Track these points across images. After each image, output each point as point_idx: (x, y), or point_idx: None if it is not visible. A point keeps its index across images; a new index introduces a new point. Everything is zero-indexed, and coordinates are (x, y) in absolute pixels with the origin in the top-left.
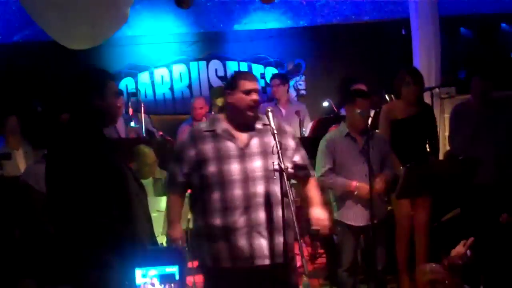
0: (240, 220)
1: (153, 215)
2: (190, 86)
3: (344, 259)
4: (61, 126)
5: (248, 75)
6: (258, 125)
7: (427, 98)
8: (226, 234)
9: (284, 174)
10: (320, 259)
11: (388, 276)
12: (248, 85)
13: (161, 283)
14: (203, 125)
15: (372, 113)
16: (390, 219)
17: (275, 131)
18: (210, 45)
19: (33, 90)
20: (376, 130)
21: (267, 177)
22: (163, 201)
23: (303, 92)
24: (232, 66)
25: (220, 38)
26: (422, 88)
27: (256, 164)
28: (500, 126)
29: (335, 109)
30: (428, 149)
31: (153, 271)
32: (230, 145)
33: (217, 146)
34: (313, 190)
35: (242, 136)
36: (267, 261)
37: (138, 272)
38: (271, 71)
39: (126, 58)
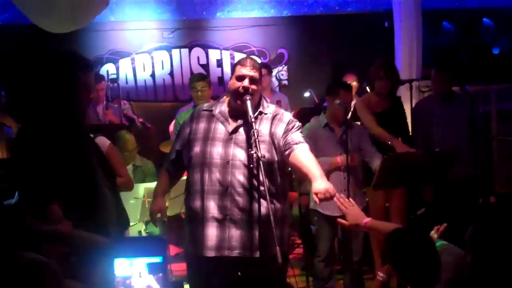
0: (213, 205)
1: (131, 202)
2: (171, 74)
3: (320, 249)
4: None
5: (245, 60)
6: (255, 113)
7: (406, 91)
8: (201, 218)
9: (261, 163)
10: (298, 249)
11: (364, 267)
12: (241, 70)
13: (149, 272)
14: (206, 104)
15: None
16: (367, 210)
17: (253, 120)
18: (193, 32)
19: (10, 75)
20: (357, 122)
21: (250, 167)
22: (141, 189)
23: (285, 82)
24: (215, 54)
25: (203, 26)
26: (395, 83)
27: (240, 152)
28: (460, 121)
29: (316, 100)
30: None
31: (140, 261)
32: (220, 128)
33: (209, 126)
34: (311, 163)
35: (234, 121)
36: (235, 253)
37: (125, 262)
38: None
39: (107, 43)
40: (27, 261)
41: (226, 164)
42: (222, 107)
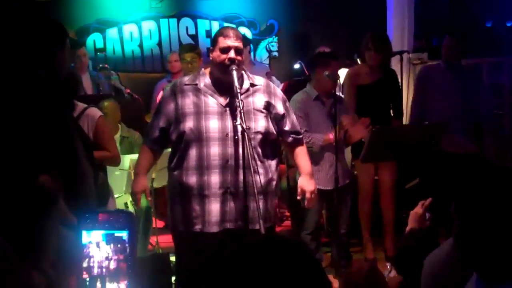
0: (215, 180)
1: (116, 173)
2: (160, 44)
3: (308, 222)
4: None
5: (228, 31)
6: (245, 85)
7: (397, 63)
8: (199, 194)
9: (246, 135)
10: (287, 222)
11: (352, 240)
12: (225, 42)
13: (107, 243)
14: (186, 78)
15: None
16: (354, 184)
17: (239, 90)
18: (181, 2)
19: None
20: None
21: (246, 139)
22: (126, 160)
23: (275, 53)
24: (204, 25)
25: None
26: (386, 54)
27: (236, 123)
28: (467, 91)
29: (307, 71)
30: (392, 114)
31: (98, 232)
32: (211, 101)
33: (198, 101)
34: (303, 158)
35: (223, 94)
36: (239, 225)
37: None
38: (243, 31)
39: (94, 12)
40: None
41: (225, 137)
42: (206, 79)
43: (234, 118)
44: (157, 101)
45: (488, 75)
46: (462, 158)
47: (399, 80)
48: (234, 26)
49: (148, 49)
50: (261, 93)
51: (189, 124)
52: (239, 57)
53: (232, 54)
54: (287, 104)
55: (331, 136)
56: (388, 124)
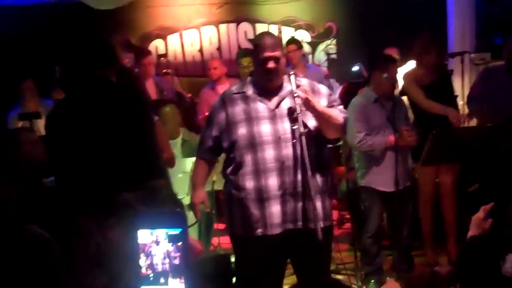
0: (273, 182)
1: (179, 176)
2: (219, 49)
3: (369, 225)
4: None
5: (266, 41)
6: (288, 88)
7: (458, 63)
8: (258, 198)
9: (302, 137)
10: (347, 224)
11: (414, 243)
12: (264, 53)
13: (169, 241)
14: (234, 87)
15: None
16: (415, 186)
17: (296, 93)
18: (240, 7)
19: (53, 53)
20: (403, 97)
21: (298, 140)
22: (188, 163)
23: (333, 56)
24: (262, 29)
25: (250, 0)
26: (442, 55)
27: (287, 126)
28: None
29: (365, 74)
30: None
31: (161, 231)
32: (261, 106)
33: (248, 108)
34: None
35: (272, 98)
36: (299, 225)
37: (143, 232)
38: (301, 34)
39: (156, 19)
40: (31, 235)
41: (278, 139)
42: (252, 86)
43: (283, 121)
44: (203, 106)
45: None
46: None
47: (460, 81)
48: (292, 29)
49: (208, 53)
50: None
51: (241, 131)
52: (278, 65)
53: (270, 64)
54: (332, 97)
55: (392, 137)
56: (448, 126)
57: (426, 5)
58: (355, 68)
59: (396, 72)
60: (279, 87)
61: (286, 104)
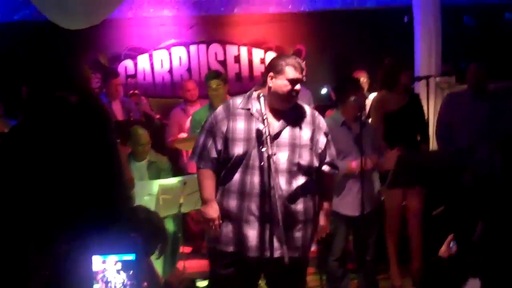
0: (254, 208)
1: (145, 198)
2: (189, 70)
3: (334, 248)
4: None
5: (297, 63)
6: (293, 114)
7: (423, 87)
8: (238, 220)
9: (272, 163)
10: (313, 247)
11: (380, 267)
12: (295, 74)
13: (122, 270)
14: (239, 101)
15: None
16: (382, 209)
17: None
18: (211, 28)
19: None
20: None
21: (290, 171)
22: (155, 185)
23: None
24: (232, 50)
25: (221, 22)
26: (408, 79)
27: (283, 156)
28: (495, 117)
29: (333, 97)
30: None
31: (114, 258)
32: (261, 129)
33: (249, 127)
34: (330, 187)
35: (275, 122)
36: (277, 254)
37: (97, 259)
38: (271, 56)
39: (126, 40)
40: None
41: (269, 168)
42: (257, 104)
43: (280, 149)
44: (173, 128)
45: None
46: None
47: (426, 105)
48: (261, 51)
49: (178, 75)
50: (307, 125)
51: (238, 149)
52: (300, 88)
53: (298, 86)
54: (329, 137)
55: (354, 164)
56: (416, 149)
57: (395, 29)
58: (324, 91)
59: (364, 95)
60: (286, 113)
61: (287, 132)
